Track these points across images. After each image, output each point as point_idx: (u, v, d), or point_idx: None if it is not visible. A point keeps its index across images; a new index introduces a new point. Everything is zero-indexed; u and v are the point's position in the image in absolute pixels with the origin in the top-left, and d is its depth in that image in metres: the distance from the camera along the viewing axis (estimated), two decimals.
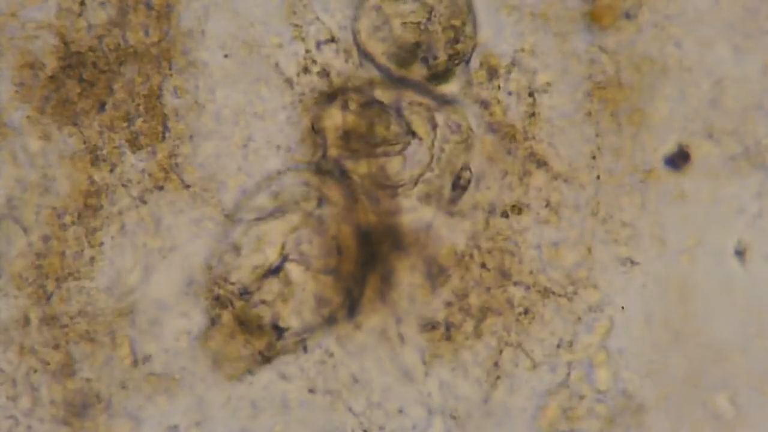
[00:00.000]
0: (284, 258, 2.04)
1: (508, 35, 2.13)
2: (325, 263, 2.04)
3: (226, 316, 2.07)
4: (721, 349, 2.14)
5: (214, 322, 2.08)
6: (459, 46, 2.08)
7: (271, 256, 2.04)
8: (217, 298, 2.08)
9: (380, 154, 2.06)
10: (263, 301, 2.05)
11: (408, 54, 2.07)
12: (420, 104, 2.08)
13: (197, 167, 2.14)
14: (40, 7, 2.13)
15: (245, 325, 2.07)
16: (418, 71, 2.08)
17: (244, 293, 2.05)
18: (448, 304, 2.13)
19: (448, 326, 2.13)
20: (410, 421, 2.15)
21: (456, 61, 2.09)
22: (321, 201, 2.05)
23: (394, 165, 2.07)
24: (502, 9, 2.13)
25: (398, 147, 2.06)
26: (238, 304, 2.06)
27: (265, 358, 2.09)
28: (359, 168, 2.07)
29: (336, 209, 2.05)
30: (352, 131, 2.07)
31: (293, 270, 2.04)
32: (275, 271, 2.04)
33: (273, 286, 2.05)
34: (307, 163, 2.11)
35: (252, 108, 2.14)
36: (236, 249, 2.05)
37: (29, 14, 2.14)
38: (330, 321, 2.08)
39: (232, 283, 2.05)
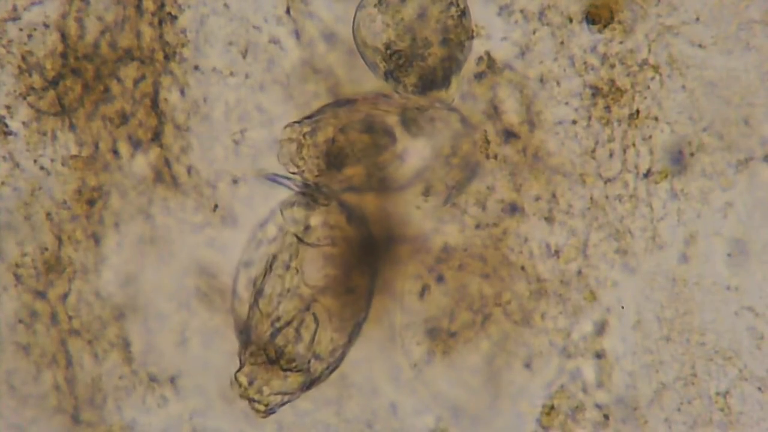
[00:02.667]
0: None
1: (508, 36, 2.13)
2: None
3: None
4: (716, 348, 2.15)
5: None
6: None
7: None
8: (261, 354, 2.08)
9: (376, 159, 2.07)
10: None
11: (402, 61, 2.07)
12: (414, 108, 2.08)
13: (194, 167, 2.14)
14: (41, 9, 2.13)
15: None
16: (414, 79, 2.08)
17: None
18: (447, 306, 2.13)
19: (447, 328, 2.14)
20: (410, 421, 2.15)
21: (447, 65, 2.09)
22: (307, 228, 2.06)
23: (393, 165, 2.07)
24: (500, 10, 2.13)
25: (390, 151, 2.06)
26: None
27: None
28: (357, 172, 2.07)
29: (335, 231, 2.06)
30: (334, 151, 2.06)
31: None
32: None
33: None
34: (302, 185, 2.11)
35: (248, 109, 2.14)
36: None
37: (29, 16, 2.13)
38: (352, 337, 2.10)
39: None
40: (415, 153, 2.05)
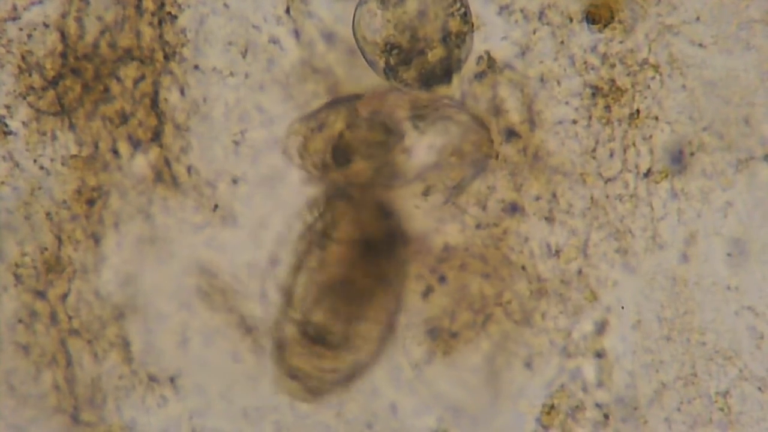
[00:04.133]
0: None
1: (508, 35, 2.13)
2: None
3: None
4: (716, 347, 2.15)
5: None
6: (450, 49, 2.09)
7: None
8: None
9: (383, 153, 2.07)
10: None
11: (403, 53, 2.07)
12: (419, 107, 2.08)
13: (194, 167, 2.14)
14: (41, 8, 2.13)
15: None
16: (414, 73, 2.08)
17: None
18: (448, 306, 2.13)
19: (448, 329, 2.14)
20: (410, 422, 2.15)
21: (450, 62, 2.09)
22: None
23: (400, 162, 2.07)
24: (500, 10, 2.13)
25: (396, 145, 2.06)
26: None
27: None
28: (363, 168, 2.07)
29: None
30: (339, 148, 2.06)
31: None
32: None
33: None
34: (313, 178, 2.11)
35: (248, 108, 2.14)
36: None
37: (29, 15, 2.13)
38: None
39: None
40: (422, 150, 2.05)
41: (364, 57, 2.10)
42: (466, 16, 2.08)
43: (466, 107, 2.10)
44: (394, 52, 2.05)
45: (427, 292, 2.13)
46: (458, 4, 2.06)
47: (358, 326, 2.05)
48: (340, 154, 2.04)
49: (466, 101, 2.12)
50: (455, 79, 2.09)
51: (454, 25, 2.06)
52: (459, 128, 2.07)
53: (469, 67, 2.12)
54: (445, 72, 2.08)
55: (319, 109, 2.09)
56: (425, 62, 2.06)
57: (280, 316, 2.09)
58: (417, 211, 2.11)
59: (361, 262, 2.06)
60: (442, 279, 2.13)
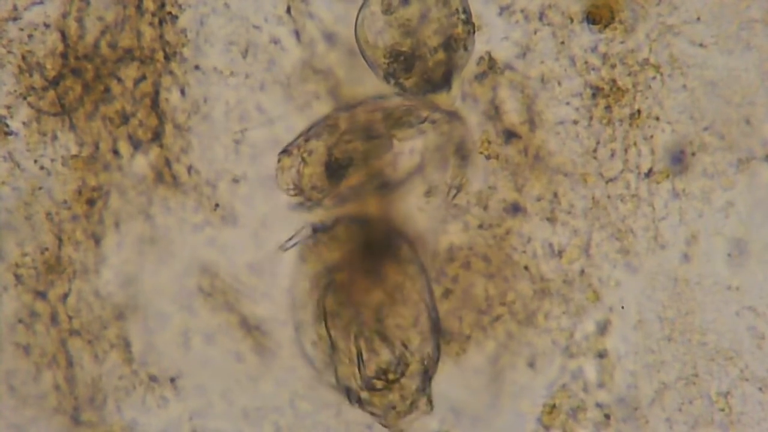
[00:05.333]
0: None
1: (508, 36, 2.14)
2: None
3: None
4: (717, 348, 2.15)
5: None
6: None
7: None
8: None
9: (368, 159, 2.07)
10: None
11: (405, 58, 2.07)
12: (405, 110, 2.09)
13: (195, 167, 2.14)
14: (41, 8, 2.13)
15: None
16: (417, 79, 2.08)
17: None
18: (448, 306, 2.13)
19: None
20: (411, 423, 2.15)
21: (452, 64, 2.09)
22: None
23: (386, 168, 2.07)
24: (500, 10, 2.13)
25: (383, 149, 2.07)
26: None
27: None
28: (351, 183, 2.08)
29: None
30: (335, 162, 2.07)
31: None
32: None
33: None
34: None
35: (249, 108, 2.14)
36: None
37: (29, 15, 2.13)
38: None
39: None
40: (404, 155, 2.06)
41: (364, 59, 2.10)
42: (467, 24, 2.08)
43: (437, 107, 2.10)
44: (400, 58, 2.05)
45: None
46: (461, 10, 2.07)
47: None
48: (335, 169, 2.05)
49: (463, 102, 2.12)
50: (455, 85, 2.09)
51: (457, 31, 2.06)
52: (436, 127, 2.07)
53: (470, 68, 2.12)
54: (446, 78, 2.08)
55: (298, 138, 2.09)
56: (426, 68, 2.06)
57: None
58: (420, 213, 2.11)
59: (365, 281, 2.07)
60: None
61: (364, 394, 2.05)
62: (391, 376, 2.03)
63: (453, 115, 2.10)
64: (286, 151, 2.08)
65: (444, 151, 2.09)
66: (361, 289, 2.05)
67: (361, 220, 2.09)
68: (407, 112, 2.07)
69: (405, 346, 2.04)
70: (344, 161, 2.04)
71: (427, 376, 2.06)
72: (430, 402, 2.07)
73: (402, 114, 2.07)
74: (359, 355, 2.03)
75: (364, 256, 2.07)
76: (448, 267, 2.13)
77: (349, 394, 2.06)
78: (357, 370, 2.04)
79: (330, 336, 2.05)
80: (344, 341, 2.04)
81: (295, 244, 2.11)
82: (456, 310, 2.13)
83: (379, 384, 2.03)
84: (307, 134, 2.08)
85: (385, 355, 2.03)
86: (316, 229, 2.09)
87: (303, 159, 2.06)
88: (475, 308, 2.13)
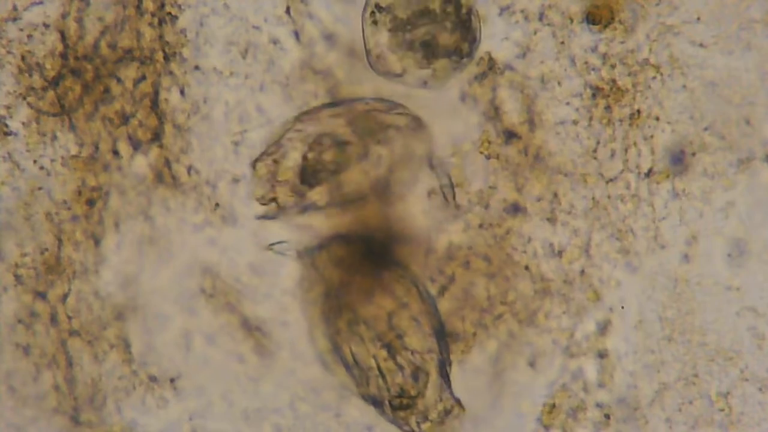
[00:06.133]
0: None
1: (508, 36, 2.14)
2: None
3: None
4: (717, 348, 2.15)
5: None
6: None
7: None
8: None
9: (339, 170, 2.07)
10: None
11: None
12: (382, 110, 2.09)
13: (194, 167, 2.14)
14: (41, 9, 2.13)
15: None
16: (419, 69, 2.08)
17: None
18: (449, 306, 2.13)
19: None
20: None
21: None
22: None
23: (358, 177, 2.07)
24: (500, 11, 2.13)
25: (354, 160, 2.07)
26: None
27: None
28: (322, 192, 2.08)
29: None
30: (309, 169, 2.07)
31: None
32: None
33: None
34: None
35: (248, 109, 2.14)
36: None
37: (29, 15, 2.13)
38: None
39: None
40: (371, 163, 2.06)
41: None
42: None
43: (400, 106, 2.10)
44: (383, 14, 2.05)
45: (445, 292, 2.13)
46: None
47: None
48: (310, 175, 2.05)
49: (463, 102, 2.12)
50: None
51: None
52: (399, 132, 2.07)
53: (469, 68, 2.12)
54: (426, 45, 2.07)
55: (272, 144, 2.09)
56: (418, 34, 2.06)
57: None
58: (419, 213, 2.11)
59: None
60: (452, 280, 2.13)
61: (398, 413, 2.05)
62: (412, 392, 2.03)
63: (417, 122, 2.10)
64: (259, 160, 2.08)
65: (413, 159, 2.09)
66: (367, 302, 2.05)
67: (349, 235, 2.10)
68: (368, 120, 2.07)
69: (414, 354, 2.04)
70: (317, 166, 2.04)
71: (447, 379, 2.07)
72: (459, 404, 2.06)
73: (365, 121, 2.07)
74: (379, 369, 2.03)
75: (362, 269, 2.07)
76: (446, 266, 2.13)
77: (384, 408, 2.06)
78: (383, 383, 2.04)
79: (353, 356, 2.05)
80: (366, 358, 2.04)
81: (278, 251, 2.11)
82: (458, 309, 2.14)
83: (404, 401, 2.03)
84: (279, 143, 2.08)
85: (398, 377, 2.04)
86: (302, 255, 2.10)
87: (275, 161, 2.05)
88: (476, 307, 2.13)
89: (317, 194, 2.06)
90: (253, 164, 2.08)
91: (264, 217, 2.10)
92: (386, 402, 2.03)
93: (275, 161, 2.06)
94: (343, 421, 2.16)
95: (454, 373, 2.13)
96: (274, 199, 2.06)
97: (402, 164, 2.08)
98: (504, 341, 2.14)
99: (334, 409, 2.15)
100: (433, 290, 2.12)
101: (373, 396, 2.05)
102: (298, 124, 2.08)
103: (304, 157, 2.05)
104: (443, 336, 2.09)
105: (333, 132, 2.05)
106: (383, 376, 2.02)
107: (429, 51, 2.06)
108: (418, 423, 2.04)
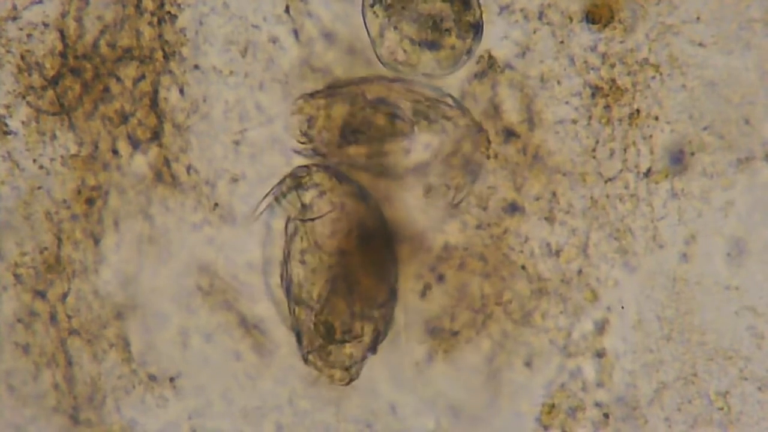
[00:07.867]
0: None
1: (508, 35, 2.13)
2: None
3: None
4: (716, 347, 2.15)
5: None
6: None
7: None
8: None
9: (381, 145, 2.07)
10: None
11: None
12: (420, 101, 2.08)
13: (194, 166, 2.14)
14: (40, 8, 2.13)
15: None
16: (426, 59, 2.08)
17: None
18: (447, 306, 2.13)
19: (449, 328, 2.14)
20: (410, 422, 2.15)
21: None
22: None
23: (397, 153, 2.07)
24: (500, 10, 2.13)
25: (398, 138, 2.07)
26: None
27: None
28: (360, 152, 2.08)
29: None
30: (352, 125, 2.07)
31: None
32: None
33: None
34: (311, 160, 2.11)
35: (248, 108, 2.14)
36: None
37: (29, 15, 2.13)
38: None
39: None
40: (418, 147, 2.06)
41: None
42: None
43: (467, 111, 2.10)
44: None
45: (428, 292, 2.13)
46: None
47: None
48: (350, 132, 2.05)
49: (465, 104, 2.12)
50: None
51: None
52: (457, 130, 2.07)
53: (469, 67, 2.12)
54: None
55: (323, 89, 2.09)
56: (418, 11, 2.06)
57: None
58: (417, 210, 2.11)
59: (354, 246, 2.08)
60: (442, 278, 2.13)
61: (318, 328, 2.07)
62: (337, 336, 2.05)
63: (477, 127, 2.10)
64: (311, 96, 2.08)
65: (454, 158, 2.09)
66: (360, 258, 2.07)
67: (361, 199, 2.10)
68: (432, 106, 2.07)
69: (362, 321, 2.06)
70: (361, 128, 2.04)
71: (371, 352, 2.09)
72: (350, 381, 2.09)
73: (427, 106, 2.07)
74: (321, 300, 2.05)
75: (364, 233, 2.08)
76: (441, 265, 2.13)
77: (299, 337, 2.08)
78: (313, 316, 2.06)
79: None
80: (317, 287, 2.06)
81: (263, 210, 2.11)
82: (449, 308, 2.14)
83: (329, 330, 2.06)
84: (333, 92, 2.08)
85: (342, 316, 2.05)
86: (305, 218, 2.10)
87: (319, 108, 2.06)
88: (469, 307, 2.14)
89: (357, 151, 2.06)
90: (302, 97, 2.08)
91: (299, 152, 2.10)
92: (312, 318, 2.05)
93: (318, 108, 2.06)
94: (342, 417, 2.16)
95: (445, 369, 2.13)
96: (311, 139, 2.07)
97: (446, 158, 2.08)
98: (498, 340, 2.14)
99: (334, 406, 2.16)
100: (418, 286, 2.13)
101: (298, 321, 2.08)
102: (364, 84, 2.08)
103: (351, 114, 2.05)
104: (390, 313, 2.10)
105: (395, 103, 2.05)
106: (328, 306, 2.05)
107: (435, 30, 2.06)
108: (310, 352, 2.06)
